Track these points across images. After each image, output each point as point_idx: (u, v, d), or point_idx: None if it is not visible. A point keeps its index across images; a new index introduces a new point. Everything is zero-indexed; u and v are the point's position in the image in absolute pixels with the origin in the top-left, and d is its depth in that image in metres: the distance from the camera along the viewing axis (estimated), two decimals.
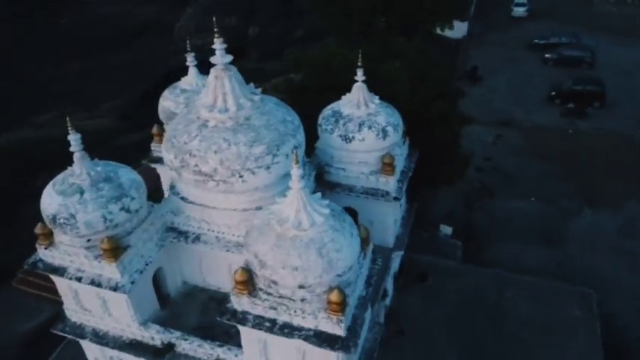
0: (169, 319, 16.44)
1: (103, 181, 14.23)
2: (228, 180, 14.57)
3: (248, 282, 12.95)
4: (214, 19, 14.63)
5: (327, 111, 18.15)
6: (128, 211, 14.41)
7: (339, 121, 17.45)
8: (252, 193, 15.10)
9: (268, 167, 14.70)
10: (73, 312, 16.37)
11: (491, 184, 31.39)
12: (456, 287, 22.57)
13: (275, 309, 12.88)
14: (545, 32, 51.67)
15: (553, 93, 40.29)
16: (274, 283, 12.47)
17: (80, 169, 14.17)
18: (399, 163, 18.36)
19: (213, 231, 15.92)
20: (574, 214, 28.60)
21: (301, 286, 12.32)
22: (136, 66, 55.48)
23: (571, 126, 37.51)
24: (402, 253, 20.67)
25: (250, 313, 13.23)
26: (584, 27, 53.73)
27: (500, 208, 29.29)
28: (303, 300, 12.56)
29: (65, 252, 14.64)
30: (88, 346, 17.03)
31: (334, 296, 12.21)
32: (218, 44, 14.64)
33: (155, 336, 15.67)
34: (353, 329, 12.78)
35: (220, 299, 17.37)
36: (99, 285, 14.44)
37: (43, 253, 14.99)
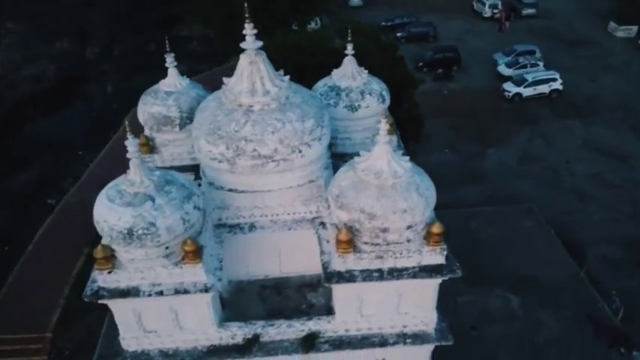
0: (235, 317, 16.13)
1: (166, 184, 13.54)
2: (289, 157, 14.96)
3: (350, 240, 13.74)
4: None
5: (321, 88, 19.14)
6: (199, 209, 13.95)
7: (340, 94, 18.59)
8: (306, 168, 15.68)
9: (320, 139, 15.47)
10: (132, 340, 15.02)
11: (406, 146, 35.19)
12: None
13: (381, 257, 13.89)
14: (388, 16, 58.23)
15: (420, 64, 46.08)
16: (384, 231, 13.50)
17: (140, 177, 13.26)
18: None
19: (266, 215, 16.05)
20: (482, 156, 33.80)
21: (409, 227, 13.58)
22: None
23: (444, 88, 43.54)
24: None
25: (356, 270, 14.04)
26: (415, 9, 61.74)
27: (425, 164, 33.04)
28: (408, 240, 13.83)
29: (136, 270, 13.58)
30: None
31: (436, 228, 13.76)
32: (249, 29, 14.87)
33: (237, 333, 15.30)
34: (448, 256, 14.44)
35: (273, 285, 17.63)
36: (185, 292, 13.73)
37: (105, 279, 13.63)
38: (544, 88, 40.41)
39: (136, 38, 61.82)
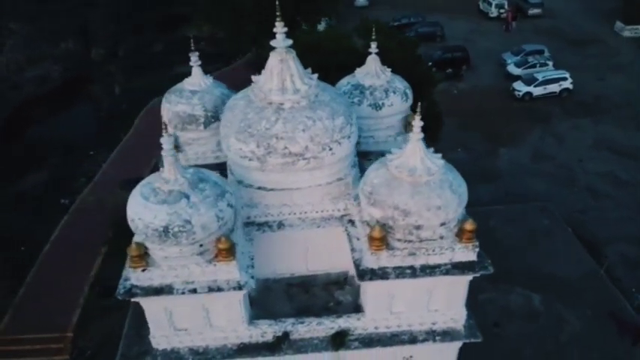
0: (263, 315, 16.14)
1: (200, 182, 13.57)
2: (319, 155, 14.98)
3: (383, 238, 13.77)
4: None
5: (344, 87, 19.16)
6: (232, 206, 13.98)
7: (364, 92, 18.61)
8: (335, 165, 15.72)
9: (349, 136, 15.51)
10: (163, 338, 15.05)
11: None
12: None
13: (414, 254, 13.92)
14: (395, 16, 58.24)
15: (430, 63, 46.11)
16: (418, 228, 13.53)
17: (174, 175, 13.28)
18: None
19: (294, 213, 16.08)
20: (494, 154, 33.86)
21: (442, 224, 13.61)
22: None
23: (453, 88, 43.61)
24: None
25: (388, 267, 14.07)
26: (420, 9, 61.80)
27: None
28: (441, 237, 13.86)
29: (170, 267, 13.59)
30: None
31: (469, 225, 13.81)
32: (279, 28, 14.89)
33: (267, 330, 15.32)
34: (479, 253, 14.47)
35: (300, 283, 17.66)
36: (219, 289, 13.75)
37: (138, 276, 13.66)
38: (554, 87, 40.48)
39: (139, 39, 61.79)
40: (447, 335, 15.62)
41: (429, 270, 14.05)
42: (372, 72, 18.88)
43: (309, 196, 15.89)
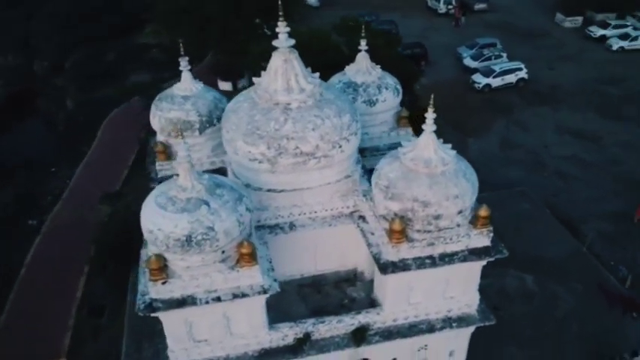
0: (280, 318, 15.95)
1: (217, 188, 13.29)
2: (329, 153, 15.00)
3: (404, 230, 13.95)
4: None
5: (337, 85, 19.18)
6: (250, 210, 13.75)
7: (358, 90, 18.74)
8: (343, 163, 15.79)
9: (356, 133, 15.64)
10: (182, 352, 14.55)
11: None
12: None
13: (432, 244, 14.19)
14: (348, 15, 58.82)
15: None
16: (437, 217, 13.79)
17: (191, 182, 12.93)
18: None
19: (305, 213, 16.02)
20: (464, 145, 34.83)
21: (459, 212, 13.95)
22: None
23: (416, 84, 44.52)
24: None
25: (409, 258, 14.26)
26: (372, 8, 62.80)
27: None
28: (458, 225, 14.20)
29: (192, 277, 13.21)
30: None
31: (483, 211, 14.23)
32: (282, 27, 14.79)
33: (288, 333, 15.17)
34: (493, 238, 14.92)
35: (311, 283, 17.63)
36: (243, 295, 13.49)
37: (158, 290, 13.16)
38: (511, 78, 42.23)
39: (90, 49, 59.41)
40: (462, 321, 16.01)
41: (447, 258, 14.37)
42: (363, 69, 19.04)
43: (319, 195, 15.88)
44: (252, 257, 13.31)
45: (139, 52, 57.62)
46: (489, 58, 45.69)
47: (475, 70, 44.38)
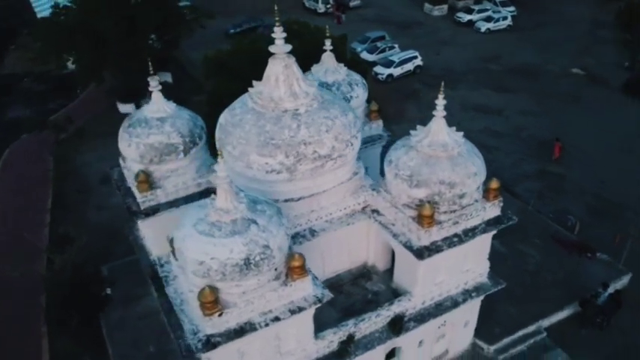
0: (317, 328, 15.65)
1: (255, 204, 12.74)
2: (343, 152, 15.09)
3: (433, 214, 14.53)
4: None
5: None
6: (287, 221, 13.33)
7: (331, 88, 18.92)
8: (352, 160, 15.93)
9: (360, 130, 15.88)
10: None
11: None
12: None
13: (457, 223, 14.99)
14: (234, 21, 57.99)
15: None
16: (461, 196, 14.60)
17: (233, 203, 12.23)
18: None
19: (321, 217, 15.91)
20: (390, 131, 36.53)
21: (477, 187, 14.93)
22: None
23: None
24: None
25: (438, 240, 14.89)
26: (250, 13, 62.41)
27: None
28: (476, 201, 15.16)
29: (247, 302, 12.48)
30: None
31: (494, 184, 15.39)
32: (279, 33, 14.47)
33: (333, 339, 14.99)
34: (502, 208, 16.13)
35: (329, 286, 17.10)
36: (301, 310, 13.09)
37: (214, 323, 12.24)
38: (409, 66, 45.08)
39: None
40: (479, 290, 17.12)
41: (470, 233, 15.29)
42: (331, 68, 19.31)
43: (333, 196, 15.91)
44: (303, 269, 12.96)
45: (7, 83, 51.36)
46: (384, 50, 48.27)
47: (374, 64, 46.59)
